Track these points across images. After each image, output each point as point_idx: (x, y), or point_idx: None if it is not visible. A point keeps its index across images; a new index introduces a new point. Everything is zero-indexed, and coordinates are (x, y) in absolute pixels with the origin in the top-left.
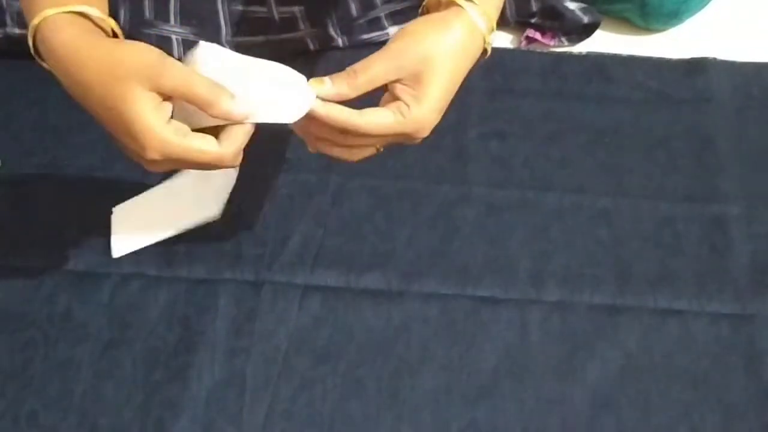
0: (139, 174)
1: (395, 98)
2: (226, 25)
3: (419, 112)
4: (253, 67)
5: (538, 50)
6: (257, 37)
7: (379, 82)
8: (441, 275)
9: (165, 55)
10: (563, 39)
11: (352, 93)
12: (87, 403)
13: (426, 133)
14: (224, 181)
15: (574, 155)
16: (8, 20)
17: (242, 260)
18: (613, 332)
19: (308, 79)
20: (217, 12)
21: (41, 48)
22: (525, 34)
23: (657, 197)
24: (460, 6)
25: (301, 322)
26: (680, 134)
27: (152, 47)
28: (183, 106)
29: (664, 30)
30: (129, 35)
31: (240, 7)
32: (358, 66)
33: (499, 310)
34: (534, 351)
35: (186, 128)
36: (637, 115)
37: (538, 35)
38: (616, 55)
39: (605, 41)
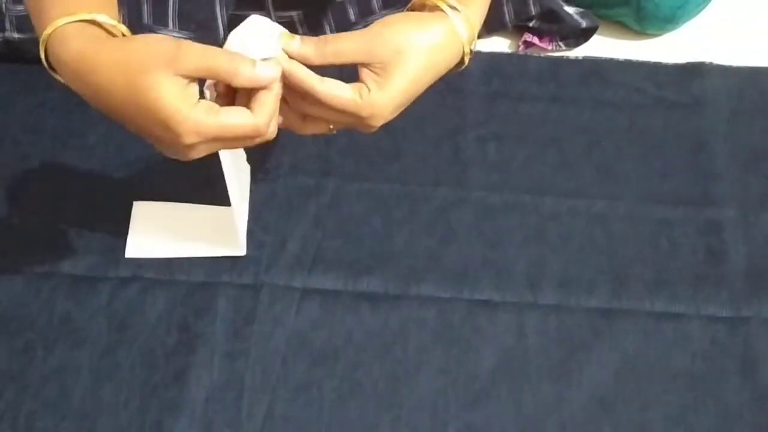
0: (138, 179)
1: (359, 81)
2: (224, 30)
3: (378, 98)
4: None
5: (536, 54)
6: None
7: (345, 59)
8: (438, 278)
9: (177, 39)
10: (561, 43)
11: (316, 59)
12: (86, 406)
13: (379, 122)
14: (242, 214)
15: (571, 159)
16: (7, 25)
17: (240, 263)
18: (610, 335)
19: None
20: (215, 16)
21: (53, 62)
22: (522, 39)
23: (653, 201)
24: (443, 12)
25: (299, 325)
26: (676, 138)
27: (164, 36)
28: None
29: (660, 35)
30: None
31: (238, 11)
32: (330, 36)
33: (497, 313)
34: (531, 354)
35: (216, 106)
36: (634, 119)
37: (535, 39)
38: (612, 59)
39: (602, 46)
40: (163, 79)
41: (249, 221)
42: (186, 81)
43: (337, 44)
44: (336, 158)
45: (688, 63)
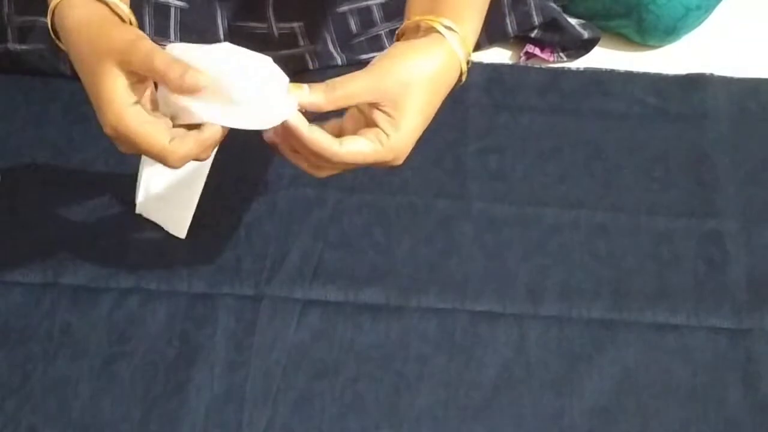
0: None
1: (372, 124)
2: (225, 41)
3: (397, 140)
4: (233, 58)
5: (537, 66)
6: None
7: (356, 101)
8: (439, 290)
9: (142, 36)
10: (562, 54)
11: (327, 106)
12: (86, 418)
13: (402, 160)
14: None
15: (572, 170)
16: (9, 36)
17: (241, 275)
18: (611, 347)
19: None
20: (216, 28)
21: (59, 27)
22: (524, 50)
23: (654, 212)
24: (440, 33)
25: (300, 337)
26: (677, 149)
27: (136, 30)
28: (166, 99)
29: (661, 46)
30: None
31: (239, 23)
32: (338, 80)
33: (498, 324)
34: (532, 365)
35: (148, 117)
36: (635, 131)
37: (537, 50)
38: (613, 70)
39: (603, 57)
40: (112, 69)
41: (250, 232)
42: (133, 78)
43: (345, 88)
44: None
45: (689, 74)
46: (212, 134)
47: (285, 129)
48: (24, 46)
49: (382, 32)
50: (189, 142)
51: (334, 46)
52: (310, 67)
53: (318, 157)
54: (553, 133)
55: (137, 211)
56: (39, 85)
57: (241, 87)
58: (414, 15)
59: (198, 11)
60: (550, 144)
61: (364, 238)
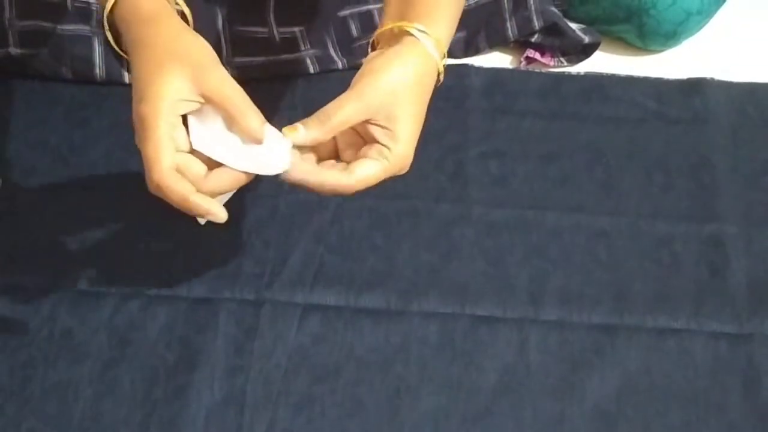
0: (141, 195)
1: (370, 139)
2: (226, 46)
3: (399, 150)
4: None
5: (537, 70)
6: (257, 57)
7: (350, 123)
8: (440, 294)
9: (220, 62)
10: (562, 59)
11: (325, 137)
12: (86, 422)
13: (407, 168)
14: None
15: (573, 175)
16: (11, 40)
17: (242, 279)
18: (612, 351)
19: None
20: (217, 32)
21: (118, 16)
22: (524, 54)
23: (655, 217)
24: (413, 36)
25: (301, 341)
26: (678, 154)
27: (211, 49)
28: (203, 128)
29: (661, 51)
30: None
31: (240, 28)
32: (329, 109)
33: (498, 329)
34: (533, 370)
35: (172, 135)
36: (635, 135)
37: (537, 55)
38: (614, 75)
39: (603, 61)
40: (179, 75)
41: (251, 237)
42: (191, 95)
43: (338, 114)
44: None
45: (689, 79)
46: (238, 182)
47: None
48: (25, 51)
49: None
50: (177, 187)
51: (335, 50)
52: (311, 71)
53: (335, 193)
54: (553, 138)
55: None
56: (40, 90)
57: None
58: (387, 22)
59: (199, 16)
60: (550, 148)
61: (364, 242)
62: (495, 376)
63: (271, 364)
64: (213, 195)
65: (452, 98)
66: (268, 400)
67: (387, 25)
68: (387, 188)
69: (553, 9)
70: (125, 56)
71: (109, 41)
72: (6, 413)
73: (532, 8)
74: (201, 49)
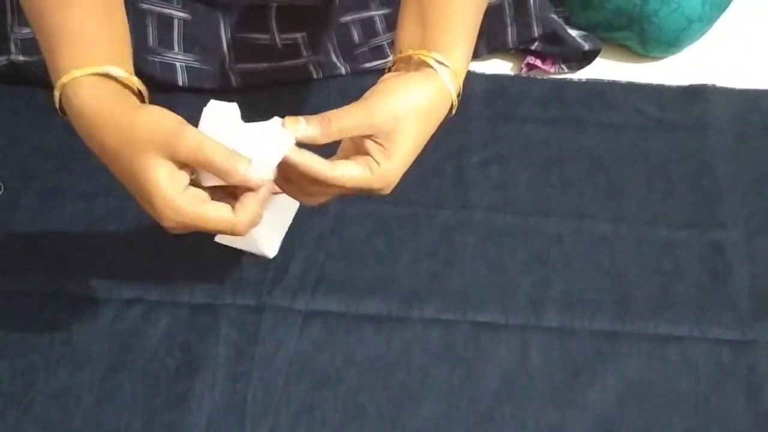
0: None
1: (364, 153)
2: (229, 52)
3: (387, 169)
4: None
5: (539, 77)
6: (260, 63)
7: (349, 134)
8: (441, 300)
9: (182, 121)
10: (563, 66)
11: (322, 139)
12: (87, 428)
13: (389, 190)
14: (283, 221)
15: (574, 181)
16: (12, 48)
17: (243, 285)
18: (614, 358)
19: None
20: (220, 39)
21: (66, 109)
22: (525, 61)
23: (656, 223)
24: (432, 68)
25: (302, 347)
26: (679, 160)
27: (170, 114)
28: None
29: (663, 57)
30: (134, 63)
31: (242, 34)
32: (332, 114)
33: (500, 335)
34: (534, 377)
35: (202, 195)
36: (637, 142)
37: (538, 62)
38: (615, 81)
39: (604, 68)
40: (156, 161)
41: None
42: (177, 166)
43: (339, 122)
44: None
45: (690, 85)
46: (266, 192)
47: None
48: (27, 58)
49: (385, 42)
50: (252, 205)
51: (337, 56)
52: (314, 76)
53: (309, 182)
54: (554, 144)
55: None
56: (41, 96)
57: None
58: (405, 47)
59: (201, 23)
60: (551, 155)
61: (365, 248)
62: (496, 383)
63: (273, 370)
64: (253, 217)
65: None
66: (269, 406)
67: (405, 51)
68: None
69: (554, 16)
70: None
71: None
72: (7, 420)
73: (533, 15)
74: (155, 123)
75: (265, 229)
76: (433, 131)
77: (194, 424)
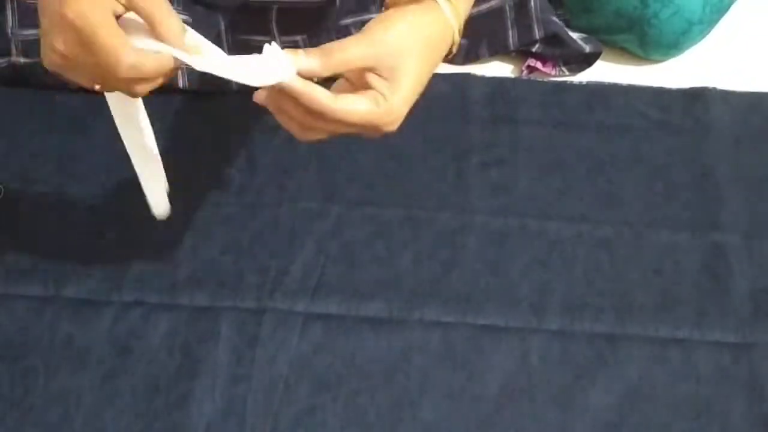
0: (142, 203)
1: (367, 87)
2: (229, 54)
3: (394, 103)
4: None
5: (539, 79)
6: None
7: (351, 66)
8: (442, 303)
9: None
10: (564, 68)
11: (323, 72)
12: (87, 431)
13: (395, 126)
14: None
15: (575, 184)
16: (13, 49)
17: (244, 288)
18: (614, 361)
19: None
20: (220, 41)
21: None
22: (526, 63)
23: (657, 226)
24: (434, 0)
25: (302, 350)
26: (680, 163)
27: None
28: (134, 29)
29: (663, 60)
30: None
31: (243, 36)
32: (333, 45)
33: (500, 338)
34: (535, 379)
35: (112, 21)
36: (637, 144)
37: (539, 64)
38: (616, 84)
39: (605, 71)
40: None
41: (253, 245)
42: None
43: (342, 53)
44: (340, 183)
45: (691, 88)
46: (169, 59)
47: (279, 88)
48: (28, 60)
49: None
50: (147, 57)
51: None
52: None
53: (311, 115)
54: (555, 147)
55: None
56: (42, 99)
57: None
58: None
59: (201, 25)
60: (552, 157)
61: (366, 251)
62: (497, 386)
63: (273, 373)
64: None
65: (454, 107)
66: (270, 409)
67: None
68: (388, 196)
69: (555, 19)
70: None
71: None
72: (7, 422)
73: (534, 18)
74: None
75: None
76: (436, 66)
77: (194, 426)
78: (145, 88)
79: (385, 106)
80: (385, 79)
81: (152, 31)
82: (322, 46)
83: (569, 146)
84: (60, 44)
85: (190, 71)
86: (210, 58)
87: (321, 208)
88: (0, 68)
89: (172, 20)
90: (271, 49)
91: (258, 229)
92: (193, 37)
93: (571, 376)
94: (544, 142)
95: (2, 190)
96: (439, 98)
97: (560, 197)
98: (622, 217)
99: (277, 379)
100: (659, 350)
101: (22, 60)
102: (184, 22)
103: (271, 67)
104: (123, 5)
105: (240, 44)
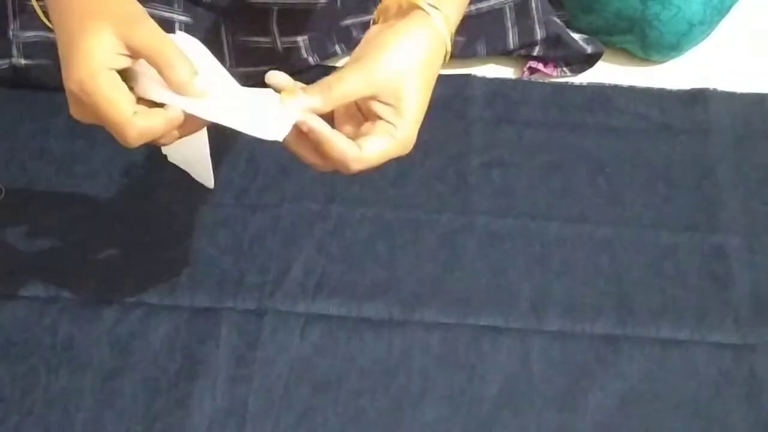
0: (143, 204)
1: (374, 116)
2: (229, 56)
3: (405, 130)
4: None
5: (540, 80)
6: (261, 67)
7: (353, 97)
8: (442, 304)
9: (147, 15)
10: (565, 69)
11: (325, 108)
12: None
13: (411, 148)
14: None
15: (575, 185)
16: (14, 51)
17: (244, 289)
18: (615, 362)
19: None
20: (220, 42)
21: None
22: (527, 65)
23: (658, 227)
24: (423, 10)
25: (303, 351)
26: (681, 164)
27: (142, 8)
28: (145, 77)
29: (664, 61)
30: None
31: (243, 38)
32: (332, 79)
33: (501, 339)
34: (535, 381)
35: (120, 85)
36: (638, 145)
37: (540, 65)
38: (616, 85)
39: (606, 72)
40: (107, 31)
41: (253, 246)
42: (123, 50)
43: (342, 86)
44: (340, 184)
45: (692, 89)
46: (178, 114)
47: (304, 134)
48: (29, 61)
49: None
50: (154, 119)
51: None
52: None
53: (339, 162)
54: (556, 148)
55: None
56: (43, 100)
57: (241, 95)
58: None
59: (202, 26)
60: (553, 158)
61: (366, 252)
62: (497, 387)
63: (273, 374)
64: (149, 130)
65: (454, 108)
66: (270, 410)
67: None
68: (389, 198)
69: (556, 19)
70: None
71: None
72: (7, 424)
73: (535, 18)
74: (124, 2)
75: (195, 158)
76: (435, 78)
77: (195, 427)
78: (165, 141)
79: (399, 136)
80: (391, 105)
81: (161, 77)
82: (320, 81)
83: (570, 147)
84: (75, 112)
85: None
86: (217, 104)
87: (321, 208)
88: (1, 70)
89: (181, 66)
90: (272, 97)
91: (258, 229)
92: (206, 79)
93: (571, 377)
94: (544, 143)
95: (2, 190)
96: (440, 99)
97: (561, 198)
98: (622, 218)
99: (277, 380)
100: (659, 351)
101: (23, 62)
102: (185, 23)
103: (274, 117)
104: (128, 56)
105: (240, 45)
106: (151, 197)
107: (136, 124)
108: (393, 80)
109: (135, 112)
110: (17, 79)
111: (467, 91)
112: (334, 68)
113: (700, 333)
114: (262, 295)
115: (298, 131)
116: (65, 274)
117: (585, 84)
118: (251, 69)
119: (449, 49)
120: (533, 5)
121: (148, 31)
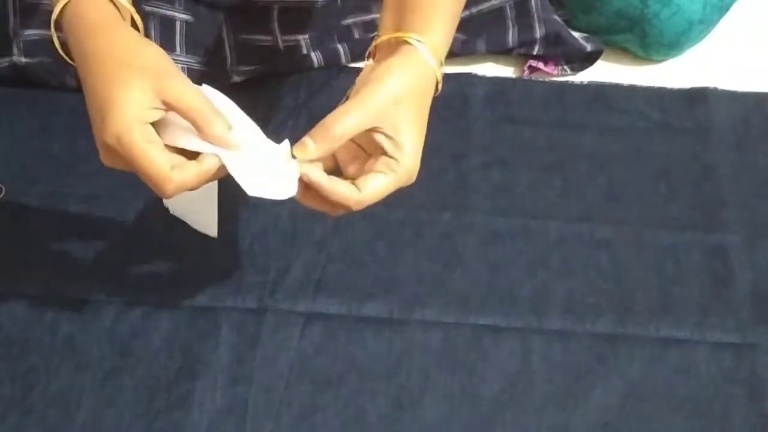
0: (144, 204)
1: (376, 151)
2: (231, 54)
3: (406, 161)
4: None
5: (540, 79)
6: (262, 65)
7: (354, 133)
8: (442, 303)
9: (178, 69)
10: (566, 67)
11: (330, 150)
12: (88, 431)
13: (414, 178)
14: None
15: (576, 184)
16: (15, 49)
17: (244, 288)
18: (615, 361)
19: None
20: (222, 41)
21: (68, 16)
22: (527, 63)
23: (658, 226)
24: (409, 44)
25: (303, 350)
26: (681, 163)
27: (171, 59)
28: (174, 126)
29: (664, 60)
30: None
31: (244, 36)
32: (330, 120)
33: (501, 338)
34: (536, 380)
35: (155, 137)
36: (638, 145)
37: (540, 64)
38: (617, 84)
39: (606, 71)
40: (137, 85)
41: (254, 245)
42: (156, 104)
43: (340, 124)
44: None
45: (692, 88)
46: (211, 166)
47: (306, 184)
48: (29, 60)
49: None
50: (189, 173)
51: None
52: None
53: (342, 207)
54: (556, 147)
55: (166, 205)
56: (43, 98)
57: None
58: (384, 33)
59: (203, 25)
60: (553, 157)
61: (367, 251)
62: (498, 386)
63: (274, 373)
64: (186, 183)
65: (455, 107)
66: (270, 409)
67: (384, 36)
68: (389, 197)
69: (556, 18)
70: (72, 63)
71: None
72: (7, 422)
73: (535, 16)
74: (157, 57)
75: (201, 208)
76: (428, 107)
77: (195, 427)
78: (197, 187)
79: (400, 169)
80: (391, 138)
81: (197, 132)
82: (321, 123)
83: (570, 146)
84: (107, 160)
85: (190, 73)
86: (242, 158)
87: None
88: (1, 68)
89: (217, 121)
90: (283, 149)
91: (258, 229)
92: (240, 132)
93: (571, 376)
94: (544, 143)
95: (2, 190)
96: (441, 98)
97: (561, 197)
98: (622, 217)
99: (277, 379)
100: (660, 351)
101: (23, 60)
102: (186, 22)
103: (286, 176)
104: (162, 109)
105: (242, 44)
106: (151, 197)
107: (174, 180)
108: (389, 110)
109: (173, 167)
110: (17, 78)
111: (468, 90)
112: (336, 70)
113: (701, 332)
114: (263, 294)
115: (303, 184)
116: (65, 273)
117: (585, 83)
118: (252, 67)
119: (439, 78)
120: (533, 4)
121: (181, 86)
